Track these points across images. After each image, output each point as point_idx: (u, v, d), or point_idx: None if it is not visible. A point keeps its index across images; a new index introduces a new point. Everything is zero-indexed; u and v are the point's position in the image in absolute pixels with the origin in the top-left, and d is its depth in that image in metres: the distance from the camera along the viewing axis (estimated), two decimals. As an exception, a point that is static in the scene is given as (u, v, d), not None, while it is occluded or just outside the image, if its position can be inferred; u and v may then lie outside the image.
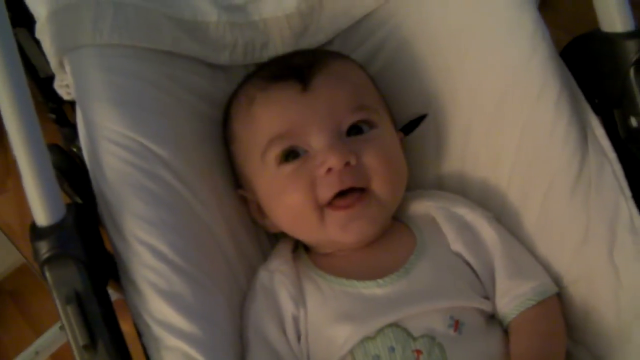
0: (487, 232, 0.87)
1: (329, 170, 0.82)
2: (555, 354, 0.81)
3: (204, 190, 0.88)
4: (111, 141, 0.82)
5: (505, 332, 0.84)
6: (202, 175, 0.89)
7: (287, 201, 0.85)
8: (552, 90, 0.85)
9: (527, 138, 0.87)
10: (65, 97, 0.88)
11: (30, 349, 1.50)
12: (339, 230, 0.84)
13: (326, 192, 0.83)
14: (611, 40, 0.84)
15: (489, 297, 0.85)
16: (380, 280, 0.83)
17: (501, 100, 0.89)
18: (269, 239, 0.96)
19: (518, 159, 0.89)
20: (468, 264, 0.86)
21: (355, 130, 0.85)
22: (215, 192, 0.90)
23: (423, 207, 0.92)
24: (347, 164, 0.82)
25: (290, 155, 0.85)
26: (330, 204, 0.83)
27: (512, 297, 0.83)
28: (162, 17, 0.91)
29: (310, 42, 0.99)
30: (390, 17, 0.98)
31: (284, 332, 0.83)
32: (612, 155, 0.85)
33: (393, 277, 0.83)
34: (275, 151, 0.85)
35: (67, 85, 0.87)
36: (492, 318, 0.84)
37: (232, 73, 0.97)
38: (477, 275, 0.85)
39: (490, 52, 0.89)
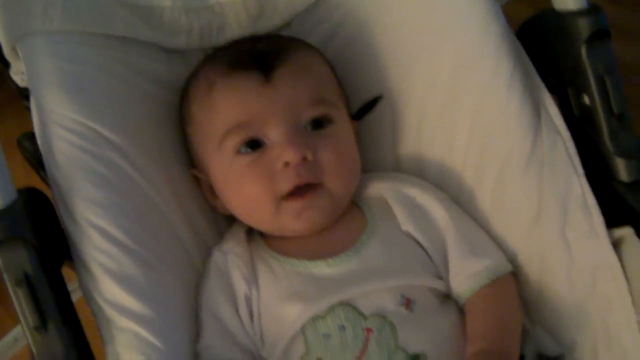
0: (438, 212, 0.88)
1: (287, 164, 0.83)
2: (511, 332, 0.82)
3: (157, 173, 0.88)
4: (62, 126, 0.83)
5: (462, 311, 0.84)
6: (155, 158, 0.89)
7: (244, 191, 0.86)
8: (505, 69, 0.85)
9: (480, 117, 0.88)
10: (21, 84, 0.89)
11: (9, 336, 1.52)
12: (292, 219, 0.85)
13: (284, 186, 0.83)
14: (563, 18, 0.85)
15: (442, 277, 0.85)
16: (330, 260, 0.84)
17: (454, 80, 0.89)
18: (225, 219, 0.96)
19: (472, 139, 0.89)
20: (419, 244, 0.86)
21: (314, 124, 0.86)
22: (168, 175, 0.90)
23: (376, 189, 0.92)
24: (304, 158, 0.83)
25: (249, 145, 0.85)
26: (287, 195, 0.84)
27: (465, 276, 0.84)
28: (115, 3, 0.91)
29: (266, 25, 0.99)
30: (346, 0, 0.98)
31: (236, 311, 0.84)
32: (565, 133, 0.85)
33: (343, 256, 0.84)
34: (234, 141, 0.85)
35: (22, 72, 0.88)
36: (447, 298, 0.85)
37: (189, 57, 0.97)
38: (429, 256, 0.86)
39: (443, 32, 0.89)
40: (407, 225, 0.87)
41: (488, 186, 0.88)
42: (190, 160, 0.94)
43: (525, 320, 0.86)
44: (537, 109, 0.85)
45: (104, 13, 0.90)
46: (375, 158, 0.98)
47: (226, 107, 0.86)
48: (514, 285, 0.85)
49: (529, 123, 0.85)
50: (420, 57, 0.92)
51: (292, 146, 0.82)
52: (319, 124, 0.86)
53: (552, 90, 0.87)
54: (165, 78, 0.95)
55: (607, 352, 0.80)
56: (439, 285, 0.83)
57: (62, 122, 0.83)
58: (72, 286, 0.81)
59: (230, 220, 0.94)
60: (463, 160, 0.90)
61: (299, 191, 0.84)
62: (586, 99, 0.84)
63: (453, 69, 0.89)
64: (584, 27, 0.82)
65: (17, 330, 1.51)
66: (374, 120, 0.98)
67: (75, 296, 0.81)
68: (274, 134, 0.84)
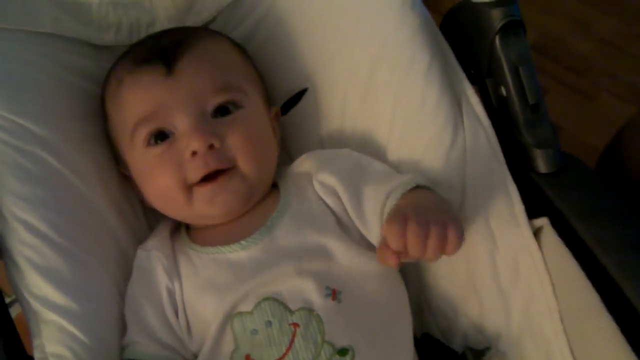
0: (355, 155, 0.89)
1: (194, 153, 0.83)
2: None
3: (86, 167, 0.89)
4: None
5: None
6: (83, 152, 0.90)
7: (156, 182, 0.87)
8: (422, 61, 0.86)
9: (400, 108, 0.89)
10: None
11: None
12: (205, 205, 0.85)
13: (193, 175, 0.84)
14: (478, 10, 0.86)
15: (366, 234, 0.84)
16: (243, 242, 0.84)
17: (373, 71, 0.90)
18: (153, 212, 0.96)
19: (393, 129, 0.90)
20: (331, 209, 0.86)
21: (221, 111, 0.86)
22: (98, 169, 0.91)
23: (301, 166, 0.92)
24: (211, 146, 0.83)
25: (159, 137, 0.86)
26: (197, 183, 0.85)
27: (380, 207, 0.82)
28: None
29: (194, 20, 1.00)
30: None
31: (159, 309, 0.84)
32: (486, 122, 0.86)
33: (255, 236, 0.84)
34: (142, 133, 0.86)
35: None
36: (379, 270, 0.83)
37: (118, 52, 0.97)
38: (344, 220, 0.85)
39: (361, 23, 0.90)
40: (320, 175, 0.87)
41: (408, 173, 0.88)
42: (115, 157, 0.95)
43: (452, 313, 0.88)
44: (458, 100, 0.87)
45: (30, 10, 0.91)
46: (302, 147, 0.98)
47: (132, 102, 0.87)
48: (431, 193, 0.83)
49: (449, 113, 0.86)
50: (342, 49, 0.93)
51: (197, 135, 0.83)
52: (225, 110, 0.86)
53: (473, 81, 0.88)
54: (94, 73, 0.96)
55: (531, 342, 0.82)
56: (361, 249, 0.83)
57: None
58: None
59: (160, 212, 0.95)
60: (385, 150, 0.91)
61: (210, 177, 0.84)
62: (503, 90, 0.86)
63: (371, 61, 0.90)
64: (496, 17, 0.84)
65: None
66: (300, 110, 0.99)
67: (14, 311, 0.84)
68: (180, 124, 0.84)
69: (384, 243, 0.73)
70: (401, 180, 0.82)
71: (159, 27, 0.98)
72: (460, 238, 0.73)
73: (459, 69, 0.88)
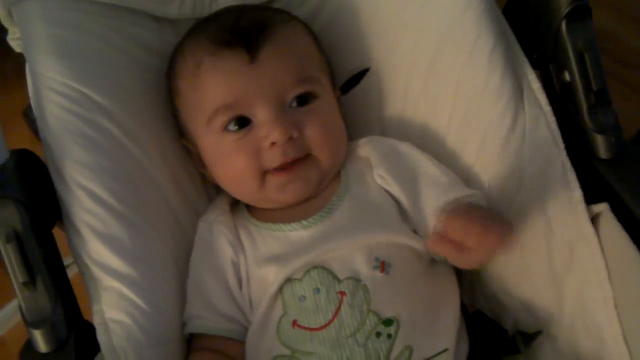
0: (417, 156, 0.89)
1: (273, 144, 0.85)
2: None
3: (147, 139, 0.91)
4: (53, 90, 0.85)
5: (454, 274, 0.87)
6: (145, 123, 0.91)
7: (231, 166, 0.88)
8: (486, 44, 0.86)
9: (462, 91, 0.89)
10: (17, 49, 0.92)
11: (13, 304, 1.54)
12: (277, 192, 0.87)
13: (271, 163, 0.86)
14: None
15: (420, 233, 0.86)
16: (304, 222, 0.86)
17: (438, 53, 0.91)
18: (214, 186, 0.98)
19: (455, 111, 0.90)
20: (394, 198, 0.87)
21: (299, 100, 0.87)
22: (158, 141, 0.93)
23: (360, 151, 0.94)
24: (291, 137, 0.85)
25: (236, 123, 0.87)
26: (273, 170, 0.86)
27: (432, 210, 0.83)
28: None
29: None
30: None
31: (221, 282, 0.86)
32: (547, 108, 0.86)
33: (317, 217, 0.86)
34: (221, 120, 0.87)
35: (19, 38, 0.90)
36: (432, 263, 0.86)
37: (180, 26, 0.98)
38: (404, 210, 0.87)
39: (428, 5, 0.91)
40: (380, 169, 0.88)
41: (469, 158, 0.90)
42: (179, 131, 0.96)
43: (504, 296, 0.88)
44: (519, 84, 0.87)
45: None
46: (362, 127, 1.00)
47: (214, 88, 0.87)
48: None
49: (510, 98, 0.86)
50: (406, 30, 0.93)
51: (278, 127, 0.84)
52: (304, 100, 0.88)
53: (536, 66, 0.89)
54: (157, 47, 0.97)
55: (584, 328, 0.82)
56: (412, 242, 0.84)
57: (54, 87, 0.85)
58: (68, 261, 0.85)
59: (219, 187, 0.96)
60: (445, 134, 0.92)
61: (285, 166, 0.86)
62: (567, 76, 0.86)
63: (437, 43, 0.90)
64: (564, 3, 0.84)
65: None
66: (361, 90, 1.00)
67: (72, 272, 0.84)
68: (260, 114, 0.86)
69: (442, 232, 0.74)
70: (457, 195, 0.83)
71: (222, 2, 0.99)
72: (513, 239, 0.75)
73: (522, 53, 0.88)
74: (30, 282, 0.79)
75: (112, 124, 0.87)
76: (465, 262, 0.78)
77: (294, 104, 0.87)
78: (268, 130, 0.85)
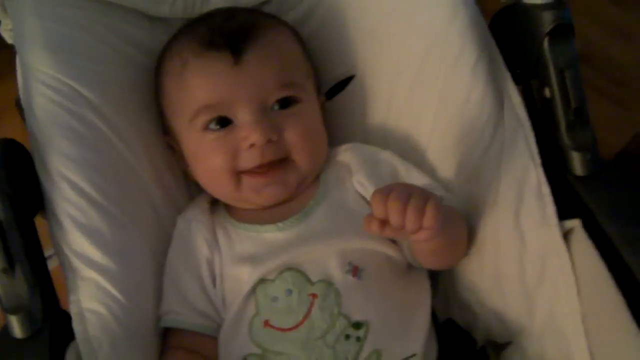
0: (396, 166, 0.91)
1: (252, 145, 0.86)
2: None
3: (132, 134, 0.92)
4: (42, 83, 0.87)
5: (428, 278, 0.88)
6: (131, 120, 0.93)
7: (208, 165, 0.90)
8: (470, 56, 0.88)
9: (445, 101, 0.90)
10: (9, 40, 0.93)
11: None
12: (252, 193, 0.89)
13: (247, 164, 0.87)
14: (530, 11, 0.87)
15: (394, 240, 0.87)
16: (280, 224, 0.88)
17: (422, 63, 0.92)
18: (196, 185, 0.99)
19: (437, 122, 0.92)
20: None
21: (280, 103, 0.89)
22: (143, 137, 0.94)
23: (341, 156, 0.95)
24: (269, 140, 0.86)
25: (217, 122, 0.88)
26: (248, 172, 0.88)
27: None
28: None
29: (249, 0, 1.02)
30: None
31: (197, 278, 0.88)
32: (526, 123, 0.87)
33: (292, 220, 0.88)
34: (203, 119, 0.88)
35: (11, 30, 0.92)
36: (407, 269, 0.87)
37: (171, 25, 1.00)
38: None
39: (414, 14, 0.92)
40: (359, 175, 0.89)
41: (449, 169, 0.91)
42: (163, 127, 0.97)
43: (477, 306, 0.89)
44: (500, 98, 0.88)
45: None
46: (344, 133, 1.01)
47: (197, 88, 0.89)
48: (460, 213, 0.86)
49: (491, 111, 0.87)
50: (392, 39, 0.95)
51: (258, 128, 0.85)
52: (285, 103, 0.89)
53: (518, 81, 0.90)
54: (147, 45, 0.98)
55: (552, 341, 0.83)
56: (387, 249, 0.85)
57: (43, 79, 0.87)
58: (49, 252, 0.86)
59: (200, 186, 0.97)
60: (427, 142, 0.93)
61: (262, 169, 0.87)
62: (547, 92, 0.87)
63: (422, 53, 0.92)
64: (547, 20, 0.85)
65: None
66: (345, 97, 1.01)
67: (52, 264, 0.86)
68: (241, 115, 0.87)
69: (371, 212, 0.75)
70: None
71: (212, 3, 1.00)
72: (438, 212, 0.72)
73: (504, 68, 0.90)
74: (9, 269, 0.81)
75: (99, 119, 0.88)
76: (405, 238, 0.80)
77: (276, 107, 0.88)
78: (248, 132, 0.86)
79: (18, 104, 0.96)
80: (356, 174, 0.90)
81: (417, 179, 0.89)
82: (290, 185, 0.89)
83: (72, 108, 0.87)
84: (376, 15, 0.96)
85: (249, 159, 0.87)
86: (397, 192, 0.72)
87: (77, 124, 0.87)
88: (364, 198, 0.89)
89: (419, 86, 0.93)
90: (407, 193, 0.72)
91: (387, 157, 0.92)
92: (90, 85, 0.89)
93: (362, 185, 0.89)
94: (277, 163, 0.88)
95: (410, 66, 0.93)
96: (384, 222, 0.73)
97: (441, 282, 0.93)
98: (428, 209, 0.72)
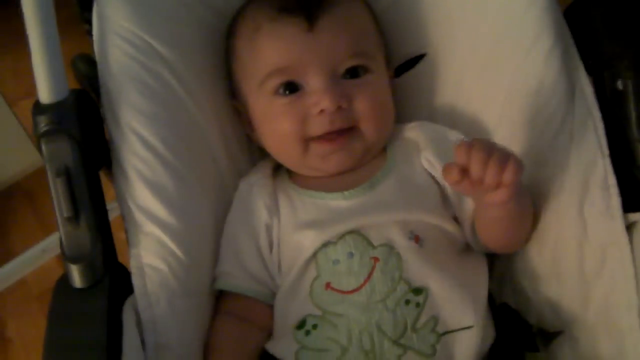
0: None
1: (322, 111, 0.86)
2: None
3: (202, 95, 0.93)
4: (119, 36, 0.87)
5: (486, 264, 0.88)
6: (202, 80, 0.94)
7: (276, 129, 0.90)
8: (545, 43, 0.87)
9: (516, 86, 0.90)
10: (85, -7, 0.94)
11: (38, 247, 1.58)
12: (319, 160, 0.89)
13: (316, 130, 0.88)
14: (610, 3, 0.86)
15: (458, 220, 0.87)
16: (346, 192, 0.88)
17: (495, 47, 0.92)
18: (259, 149, 1.00)
19: (506, 106, 0.91)
20: (438, 183, 0.89)
21: (351, 72, 0.89)
22: (213, 98, 0.95)
23: (409, 132, 0.95)
24: (339, 107, 0.86)
25: (288, 87, 0.89)
26: (317, 138, 0.88)
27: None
28: None
29: None
30: None
31: (255, 243, 0.88)
32: (596, 113, 0.87)
33: (358, 189, 0.88)
34: (273, 83, 0.89)
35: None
36: (465, 247, 0.87)
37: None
38: (446, 195, 0.88)
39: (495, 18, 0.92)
40: (428, 153, 0.89)
41: (516, 151, 0.90)
42: (231, 91, 0.98)
43: (532, 292, 0.89)
44: (572, 87, 0.88)
45: None
46: (411, 111, 1.01)
47: (270, 51, 0.90)
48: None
49: (562, 98, 0.87)
50: (466, 21, 0.95)
51: (328, 95, 0.86)
52: (355, 72, 0.89)
53: (590, 72, 0.89)
54: (221, 7, 0.98)
55: (605, 332, 0.82)
56: (450, 226, 0.86)
57: (120, 32, 0.87)
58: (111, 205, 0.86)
59: (264, 151, 0.98)
60: (496, 126, 0.93)
61: (330, 136, 0.88)
62: (619, 84, 0.86)
63: (496, 36, 0.92)
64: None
65: (46, 242, 1.58)
66: (414, 75, 1.01)
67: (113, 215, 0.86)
68: (312, 81, 0.88)
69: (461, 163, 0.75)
70: None
71: None
72: (519, 169, 0.74)
73: (578, 57, 0.89)
74: (74, 217, 0.81)
75: (172, 76, 0.89)
76: (475, 199, 0.81)
77: (346, 76, 0.89)
78: (318, 98, 0.86)
79: (73, 64, 0.96)
80: (424, 151, 0.90)
81: None
82: (356, 153, 0.90)
83: (147, 63, 0.88)
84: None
85: (317, 125, 0.87)
86: (481, 144, 0.73)
87: (150, 80, 0.88)
88: (430, 175, 0.89)
89: (490, 69, 0.93)
90: (491, 147, 0.74)
91: (455, 136, 0.92)
92: (166, 43, 0.90)
93: (429, 162, 0.89)
94: (344, 131, 0.88)
95: (482, 49, 0.93)
96: (464, 173, 0.73)
97: (497, 267, 0.93)
98: (510, 165, 0.73)
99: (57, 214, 0.81)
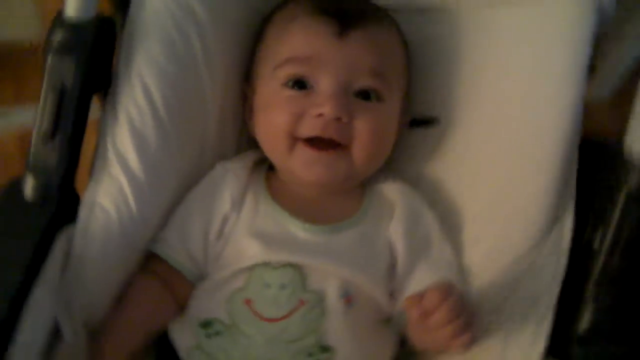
0: (435, 232, 0.91)
1: (320, 114, 0.86)
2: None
3: (219, 68, 0.93)
4: None
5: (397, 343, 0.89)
6: (224, 54, 0.94)
7: (271, 120, 0.90)
8: (548, 174, 0.87)
9: (503, 197, 0.90)
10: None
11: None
12: (301, 166, 0.89)
13: (306, 130, 0.87)
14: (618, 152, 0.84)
15: (394, 296, 0.88)
16: (307, 225, 0.88)
17: (499, 138, 0.92)
18: (249, 143, 1.00)
19: (491, 206, 0.91)
20: (392, 254, 0.89)
21: (363, 94, 0.89)
22: (227, 75, 0.95)
23: (392, 191, 0.94)
24: (339, 119, 0.86)
25: (297, 83, 0.88)
26: (305, 140, 0.88)
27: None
28: None
29: None
30: (445, 12, 0.99)
31: (207, 227, 0.89)
32: (563, 260, 0.86)
33: (320, 228, 0.88)
34: (287, 71, 0.89)
35: None
36: (385, 322, 0.88)
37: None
38: (395, 270, 0.89)
39: (513, 80, 0.91)
40: (397, 225, 0.90)
41: (478, 252, 0.91)
42: (246, 75, 0.98)
43: None
44: (554, 221, 0.87)
45: None
46: (403, 162, 1.00)
47: (296, 39, 0.90)
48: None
49: (541, 228, 0.87)
50: (485, 99, 0.94)
51: (333, 102, 0.86)
52: (367, 95, 0.89)
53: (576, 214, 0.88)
54: None
55: None
56: (384, 300, 0.87)
57: None
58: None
59: (253, 145, 0.98)
60: (475, 217, 0.93)
61: (319, 144, 0.87)
62: (598, 240, 0.86)
63: (503, 126, 0.91)
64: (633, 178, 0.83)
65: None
66: (418, 132, 1.00)
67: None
68: (323, 84, 0.87)
69: (421, 295, 0.77)
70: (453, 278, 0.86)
71: None
72: (469, 345, 0.78)
73: (572, 191, 0.88)
74: (51, 134, 0.82)
75: (199, 41, 0.90)
76: (420, 335, 0.82)
77: (358, 95, 0.89)
78: (322, 101, 0.86)
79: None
80: (395, 222, 0.91)
81: (443, 255, 0.90)
82: (338, 174, 0.89)
83: (180, 20, 0.88)
84: (473, 67, 0.96)
85: (310, 126, 0.87)
86: (454, 301, 0.77)
87: (177, 36, 0.88)
88: (389, 246, 0.90)
89: (489, 158, 0.93)
90: (461, 310, 0.77)
91: (429, 220, 0.92)
92: (205, 6, 0.90)
93: (395, 235, 0.90)
94: (334, 145, 0.88)
95: (489, 134, 0.93)
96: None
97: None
98: (465, 336, 0.78)
99: (37, 124, 0.83)
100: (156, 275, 0.88)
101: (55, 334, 0.79)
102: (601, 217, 0.86)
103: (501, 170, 0.91)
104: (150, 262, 0.89)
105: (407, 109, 0.98)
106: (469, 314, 0.79)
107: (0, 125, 1.61)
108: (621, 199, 0.84)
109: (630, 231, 0.84)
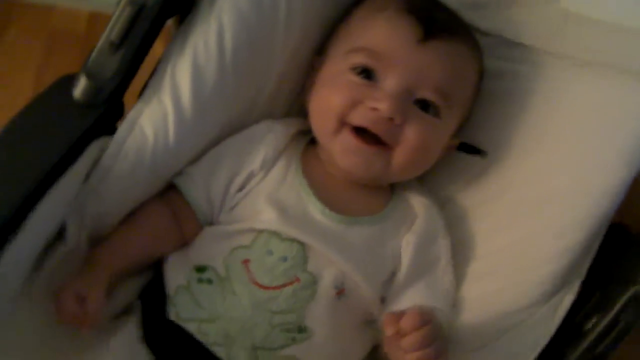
0: (444, 257, 0.92)
1: (375, 109, 0.86)
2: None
3: (297, 32, 0.93)
4: None
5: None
6: (307, 21, 0.93)
7: (327, 98, 0.90)
8: (572, 243, 0.88)
9: (525, 244, 0.91)
10: None
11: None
12: (341, 151, 0.89)
13: (357, 119, 0.87)
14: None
15: (385, 302, 0.90)
16: (326, 210, 0.89)
17: (537, 195, 0.92)
18: (298, 114, 1.00)
19: (508, 249, 0.92)
20: (397, 264, 0.90)
21: (422, 104, 0.88)
22: (302, 40, 0.95)
23: (420, 204, 0.95)
24: (392, 119, 0.86)
25: (364, 72, 0.88)
26: (353, 128, 0.88)
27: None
28: None
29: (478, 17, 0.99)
30: (533, 51, 0.98)
31: (232, 177, 0.90)
32: (551, 330, 0.87)
33: (338, 217, 0.89)
34: (358, 59, 0.89)
35: None
36: (369, 323, 0.90)
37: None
38: (394, 279, 0.90)
39: (570, 146, 0.91)
40: (412, 238, 0.90)
41: (478, 289, 0.92)
42: (319, 49, 0.97)
43: None
44: (559, 290, 0.89)
45: None
46: (439, 181, 1.01)
47: (376, 31, 0.89)
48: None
49: (542, 293, 0.88)
50: (537, 162, 0.94)
51: (392, 101, 0.85)
52: (426, 106, 0.89)
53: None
54: None
55: None
56: (374, 303, 0.88)
57: None
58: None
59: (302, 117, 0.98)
60: (486, 270, 0.94)
61: (364, 136, 0.87)
62: (590, 322, 0.87)
63: (549, 198, 0.91)
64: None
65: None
66: (461, 159, 1.00)
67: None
68: (389, 81, 0.87)
69: (400, 314, 0.78)
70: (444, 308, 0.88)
71: None
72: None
73: (584, 268, 0.89)
74: (116, 45, 0.83)
75: (286, 3, 0.89)
76: (391, 350, 0.84)
77: (417, 103, 0.88)
78: (381, 96, 0.86)
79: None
80: (411, 234, 0.91)
81: (443, 283, 0.91)
82: (372, 170, 0.89)
83: None
84: (542, 133, 0.94)
85: (362, 116, 0.87)
86: (429, 333, 0.77)
87: None
88: (397, 255, 0.91)
89: (516, 218, 0.93)
90: (434, 343, 0.77)
91: (442, 245, 0.93)
92: None
93: (405, 247, 0.90)
94: (379, 142, 0.88)
95: (528, 198, 0.93)
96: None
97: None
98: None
99: (106, 33, 0.83)
100: (170, 205, 0.90)
101: (59, 236, 0.81)
102: (603, 304, 0.88)
103: (528, 225, 0.92)
104: (169, 191, 0.90)
105: (460, 132, 0.97)
106: (441, 347, 0.79)
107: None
108: (628, 294, 0.86)
109: (625, 325, 0.85)
